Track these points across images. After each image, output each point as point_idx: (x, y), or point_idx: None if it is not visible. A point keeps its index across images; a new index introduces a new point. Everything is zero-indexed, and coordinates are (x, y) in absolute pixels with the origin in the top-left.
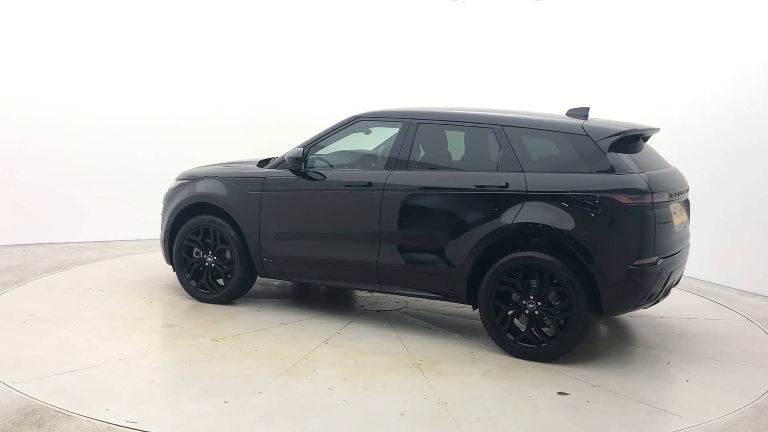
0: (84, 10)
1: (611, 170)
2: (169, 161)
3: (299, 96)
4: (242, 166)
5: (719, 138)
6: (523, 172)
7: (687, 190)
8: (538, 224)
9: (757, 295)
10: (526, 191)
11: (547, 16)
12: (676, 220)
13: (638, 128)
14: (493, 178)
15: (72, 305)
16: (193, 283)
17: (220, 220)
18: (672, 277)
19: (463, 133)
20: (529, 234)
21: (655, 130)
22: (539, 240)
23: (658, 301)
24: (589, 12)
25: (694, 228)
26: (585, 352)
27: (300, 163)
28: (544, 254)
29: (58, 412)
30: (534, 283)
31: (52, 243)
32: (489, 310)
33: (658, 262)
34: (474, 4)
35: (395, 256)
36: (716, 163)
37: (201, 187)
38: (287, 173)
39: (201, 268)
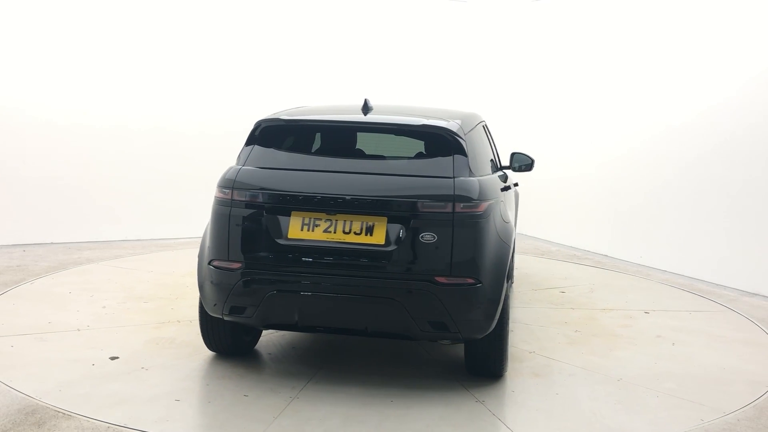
0: (88, 11)
1: (237, 162)
2: (169, 161)
3: (301, 99)
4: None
5: (720, 139)
6: None
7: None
8: None
9: (757, 295)
10: None
11: (547, 16)
12: (303, 234)
13: (273, 120)
14: None
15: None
16: None
17: None
18: (308, 315)
19: None
20: None
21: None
22: None
23: (299, 329)
24: (590, 12)
25: (694, 227)
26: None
27: None
28: None
29: (58, 412)
30: None
31: (52, 243)
32: None
33: (238, 271)
34: (474, 4)
35: None
36: (716, 163)
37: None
38: None
39: None
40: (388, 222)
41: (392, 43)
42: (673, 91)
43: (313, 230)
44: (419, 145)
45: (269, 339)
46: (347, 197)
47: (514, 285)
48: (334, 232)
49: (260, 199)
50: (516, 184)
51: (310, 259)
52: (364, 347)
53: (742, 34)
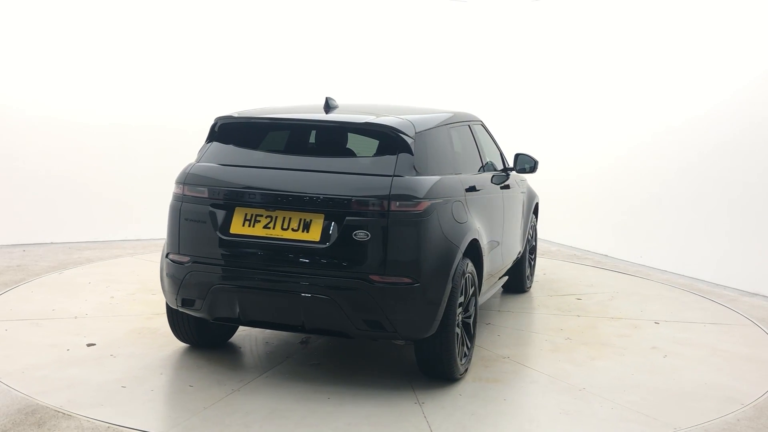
0: (88, 9)
1: (196, 159)
2: (169, 161)
3: (302, 97)
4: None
5: (720, 139)
6: None
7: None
8: None
9: (757, 295)
10: None
11: (547, 16)
12: (244, 229)
13: (228, 117)
14: None
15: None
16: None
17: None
18: (247, 310)
19: None
20: None
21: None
22: None
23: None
24: (590, 12)
25: (694, 227)
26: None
27: None
28: None
29: (58, 412)
30: None
31: (52, 243)
32: None
33: (186, 264)
34: (474, 4)
35: None
36: (716, 163)
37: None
38: None
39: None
40: (324, 219)
41: (393, 43)
42: (673, 92)
43: (253, 226)
44: (372, 143)
45: (248, 333)
46: (285, 194)
47: (531, 289)
48: (273, 228)
49: (207, 194)
50: (507, 186)
51: (250, 254)
52: (340, 345)
53: (742, 35)
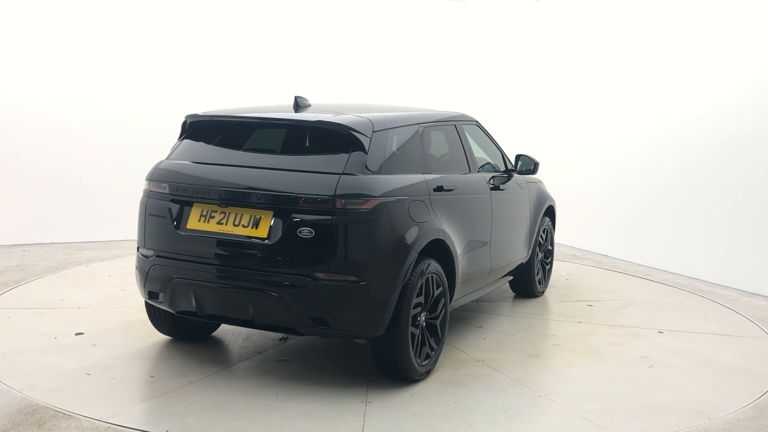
0: (85, 8)
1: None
2: None
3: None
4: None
5: (720, 140)
6: None
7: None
8: None
9: (757, 295)
10: None
11: (547, 16)
12: (199, 225)
13: (194, 116)
14: None
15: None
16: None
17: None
18: (202, 304)
19: None
20: None
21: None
22: None
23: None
24: (590, 13)
25: (694, 228)
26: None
27: None
28: None
29: (58, 412)
30: None
31: (52, 243)
32: None
33: (150, 258)
34: (474, 4)
35: None
36: (717, 164)
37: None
38: None
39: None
40: (273, 216)
41: (392, 43)
42: (674, 93)
43: (208, 222)
44: (329, 141)
45: (234, 328)
46: (237, 190)
47: (545, 294)
48: (226, 224)
49: (167, 190)
50: (498, 188)
51: (204, 250)
52: (319, 343)
53: (742, 36)
